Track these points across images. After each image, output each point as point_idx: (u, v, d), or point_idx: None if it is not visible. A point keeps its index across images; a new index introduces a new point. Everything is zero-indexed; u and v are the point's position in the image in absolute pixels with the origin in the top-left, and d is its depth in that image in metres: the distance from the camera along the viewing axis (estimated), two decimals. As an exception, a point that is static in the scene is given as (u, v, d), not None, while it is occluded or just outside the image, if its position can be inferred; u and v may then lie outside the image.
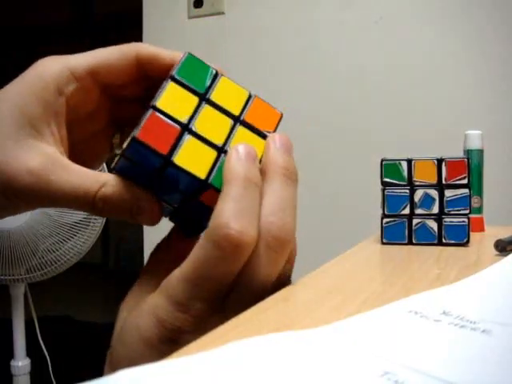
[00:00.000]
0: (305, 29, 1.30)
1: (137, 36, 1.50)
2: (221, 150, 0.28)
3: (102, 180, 0.28)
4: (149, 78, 0.32)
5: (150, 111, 0.27)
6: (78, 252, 1.35)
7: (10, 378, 1.37)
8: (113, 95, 0.33)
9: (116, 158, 0.29)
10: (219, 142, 0.28)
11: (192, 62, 0.29)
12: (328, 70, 1.28)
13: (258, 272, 0.26)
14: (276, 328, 0.21)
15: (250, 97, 0.30)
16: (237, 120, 0.29)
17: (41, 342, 1.44)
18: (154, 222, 0.29)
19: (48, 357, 1.44)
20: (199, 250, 0.25)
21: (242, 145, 0.27)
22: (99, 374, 0.16)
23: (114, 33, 3.76)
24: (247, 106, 0.29)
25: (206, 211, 0.26)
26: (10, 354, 1.37)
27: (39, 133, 0.29)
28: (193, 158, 0.27)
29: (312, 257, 1.01)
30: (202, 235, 0.26)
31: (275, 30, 1.34)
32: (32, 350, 1.42)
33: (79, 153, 0.33)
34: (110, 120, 0.35)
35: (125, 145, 0.27)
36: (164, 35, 1.46)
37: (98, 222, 1.33)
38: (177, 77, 0.28)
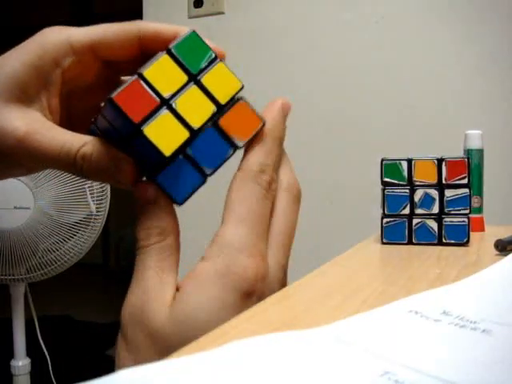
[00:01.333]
0: (305, 29, 1.30)
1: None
2: (195, 134, 0.27)
3: (83, 140, 0.29)
4: (150, 54, 0.32)
5: (135, 77, 0.26)
6: (78, 252, 1.35)
7: (10, 378, 1.37)
8: (115, 70, 0.34)
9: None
10: (195, 124, 0.27)
11: (194, 40, 0.29)
12: (328, 69, 1.28)
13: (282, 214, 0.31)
14: (276, 328, 0.21)
15: (238, 92, 0.29)
16: (221, 109, 0.28)
17: (41, 341, 1.44)
18: (130, 182, 0.29)
19: (48, 357, 1.44)
20: (248, 192, 0.28)
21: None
22: (99, 373, 0.16)
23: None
24: (229, 104, 0.29)
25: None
26: (10, 354, 1.37)
27: (28, 99, 0.30)
28: (163, 134, 0.26)
29: (312, 256, 1.01)
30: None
31: (275, 29, 1.34)
32: (32, 350, 1.42)
33: (81, 123, 0.33)
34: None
35: (102, 104, 0.28)
36: (164, 35, 1.46)
37: (98, 222, 1.33)
38: (173, 50, 0.28)
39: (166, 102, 0.27)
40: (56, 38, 0.31)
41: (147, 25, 0.32)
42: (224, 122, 0.28)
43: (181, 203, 0.28)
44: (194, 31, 0.29)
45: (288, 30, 1.32)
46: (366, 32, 1.24)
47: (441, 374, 0.16)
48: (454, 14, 1.16)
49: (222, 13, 1.39)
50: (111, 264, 4.04)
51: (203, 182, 0.28)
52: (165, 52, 0.27)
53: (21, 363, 1.36)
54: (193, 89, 0.28)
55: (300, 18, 1.30)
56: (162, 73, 0.27)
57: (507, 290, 0.27)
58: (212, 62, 0.29)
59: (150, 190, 0.28)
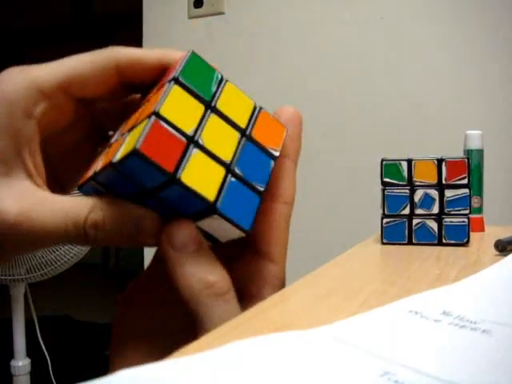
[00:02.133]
0: (305, 28, 1.30)
1: (137, 36, 1.50)
2: (228, 168, 0.24)
3: (88, 205, 0.25)
4: (132, 84, 0.28)
5: (153, 119, 0.23)
6: (77, 252, 1.35)
7: (10, 378, 1.37)
8: (91, 105, 0.29)
9: (98, 166, 0.25)
10: (227, 158, 0.24)
11: (196, 62, 0.25)
12: (328, 69, 1.28)
13: None
14: (276, 328, 0.21)
15: (255, 108, 0.27)
16: (243, 133, 0.26)
17: (41, 341, 1.44)
18: (158, 239, 0.25)
19: (48, 357, 1.44)
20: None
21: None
22: (99, 373, 0.16)
23: (114, 33, 3.77)
24: (253, 119, 0.26)
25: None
26: (10, 354, 1.37)
27: (9, 168, 0.25)
28: (201, 177, 0.23)
29: (312, 257, 1.01)
30: None
31: (275, 29, 1.34)
32: (32, 350, 1.42)
33: (62, 167, 0.30)
34: (91, 129, 0.31)
35: (118, 156, 0.23)
36: (164, 35, 1.46)
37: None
38: (181, 79, 0.24)
39: (192, 140, 0.23)
40: (19, 84, 0.26)
41: (125, 53, 0.28)
42: (256, 134, 0.26)
43: (249, 229, 0.24)
44: (193, 52, 0.26)
45: (288, 30, 1.32)
46: (367, 32, 1.24)
47: (441, 374, 0.16)
48: (455, 13, 1.16)
49: (222, 13, 1.39)
50: (111, 264, 4.04)
51: (260, 200, 0.25)
52: (172, 82, 0.24)
53: (21, 363, 1.36)
54: (212, 118, 0.25)
55: (300, 18, 1.31)
56: (177, 107, 0.24)
57: (507, 290, 0.27)
58: (220, 82, 0.26)
59: (191, 227, 0.24)
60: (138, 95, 0.30)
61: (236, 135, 0.25)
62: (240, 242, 0.27)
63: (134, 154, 0.22)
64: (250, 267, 0.28)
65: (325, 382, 0.15)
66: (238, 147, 0.25)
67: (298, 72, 1.31)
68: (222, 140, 0.25)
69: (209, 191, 0.23)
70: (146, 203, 0.24)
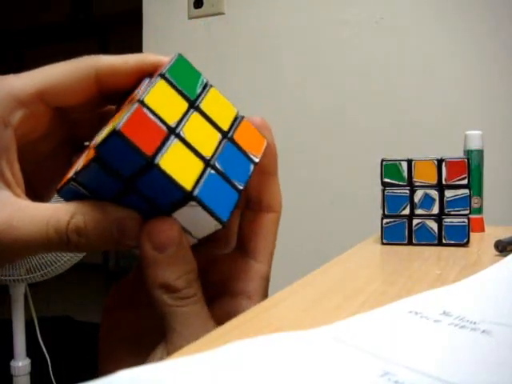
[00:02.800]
0: (305, 29, 1.30)
1: (137, 36, 1.50)
2: (208, 163, 0.25)
3: (69, 211, 0.24)
4: (110, 90, 0.28)
5: (136, 105, 0.23)
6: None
7: (9, 379, 1.37)
8: (68, 114, 0.29)
9: (78, 166, 0.25)
10: (207, 154, 0.25)
11: (183, 64, 0.26)
12: (328, 70, 1.28)
13: None
14: (276, 328, 0.21)
15: (237, 116, 0.27)
16: (225, 136, 0.26)
17: (41, 342, 1.44)
18: (139, 238, 0.25)
19: (48, 357, 1.44)
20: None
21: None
22: (99, 374, 0.16)
23: (114, 33, 3.77)
24: (235, 124, 0.27)
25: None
26: (10, 355, 1.37)
27: None
28: (179, 166, 0.23)
29: (312, 257, 1.01)
30: None
31: (275, 30, 1.34)
32: (32, 351, 1.42)
33: (36, 177, 0.30)
34: (66, 138, 0.31)
35: (99, 140, 0.23)
36: (164, 35, 1.46)
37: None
38: (167, 76, 0.25)
39: (173, 131, 0.24)
40: None
41: (103, 61, 0.27)
42: (237, 138, 0.26)
43: (226, 221, 0.24)
44: (180, 54, 0.26)
45: (288, 30, 1.32)
46: (367, 32, 1.24)
47: (441, 374, 0.16)
48: (454, 14, 1.16)
49: (222, 13, 1.39)
50: (111, 265, 4.04)
51: (239, 198, 0.25)
52: (159, 77, 0.25)
53: (21, 364, 1.36)
54: (195, 116, 0.25)
55: (300, 19, 1.31)
56: (162, 99, 0.24)
57: (507, 290, 0.27)
58: (205, 87, 0.27)
59: (173, 229, 0.24)
60: (114, 106, 0.30)
61: (217, 135, 0.26)
62: (226, 240, 0.29)
63: (115, 134, 0.22)
64: (236, 265, 0.29)
65: (325, 382, 0.15)
66: (218, 146, 0.26)
67: (298, 72, 1.31)
68: (204, 137, 0.25)
69: (186, 180, 0.23)
70: (126, 201, 0.25)
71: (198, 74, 0.27)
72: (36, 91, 0.26)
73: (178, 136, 0.24)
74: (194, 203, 0.24)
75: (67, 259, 1.34)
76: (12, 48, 4.02)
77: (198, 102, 0.26)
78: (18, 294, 1.37)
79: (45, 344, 1.45)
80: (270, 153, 0.28)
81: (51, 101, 0.27)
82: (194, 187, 0.24)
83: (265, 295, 0.29)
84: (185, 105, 0.25)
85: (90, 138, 0.28)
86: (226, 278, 0.29)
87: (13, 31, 4.03)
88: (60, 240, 0.24)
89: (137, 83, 0.28)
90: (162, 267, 0.24)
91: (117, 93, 0.28)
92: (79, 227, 0.24)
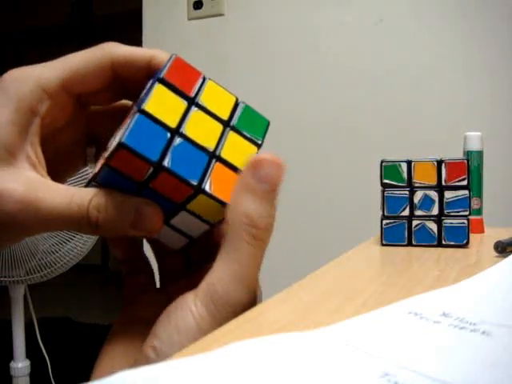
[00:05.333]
0: (305, 30, 1.30)
1: (137, 37, 1.50)
2: (212, 155, 0.26)
3: (92, 191, 0.27)
4: (124, 82, 0.30)
5: (137, 115, 0.25)
6: (77, 253, 1.35)
7: (9, 380, 1.37)
8: (86, 103, 0.32)
9: (96, 168, 0.27)
10: (210, 146, 0.26)
11: (179, 64, 0.28)
12: (328, 71, 1.28)
13: None
14: (276, 329, 0.21)
15: (237, 102, 0.29)
16: (227, 125, 0.28)
17: (40, 343, 1.44)
18: (157, 227, 0.27)
19: (48, 358, 1.44)
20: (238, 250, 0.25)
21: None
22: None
23: (114, 34, 3.77)
24: (236, 112, 0.28)
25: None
26: (9, 356, 1.37)
27: (16, 158, 0.27)
28: (185, 163, 0.25)
29: (312, 258, 1.01)
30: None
31: (275, 31, 1.34)
32: (32, 352, 1.42)
33: (52, 166, 0.31)
34: (83, 131, 0.33)
35: (107, 154, 0.26)
36: (164, 36, 1.46)
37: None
38: (164, 78, 0.27)
39: (176, 132, 0.26)
40: (25, 82, 0.28)
41: (119, 50, 0.30)
42: (238, 124, 0.28)
43: (197, 184, 0.26)
44: (176, 55, 0.28)
45: (287, 32, 1.32)
46: (366, 34, 1.24)
47: (440, 375, 0.16)
48: (454, 15, 1.16)
49: (222, 14, 1.39)
50: (110, 265, 4.04)
51: (209, 160, 0.27)
52: (156, 82, 0.26)
53: (20, 365, 1.36)
54: (195, 113, 0.27)
55: (299, 20, 1.31)
56: (161, 103, 0.26)
57: (507, 291, 0.27)
58: (203, 82, 0.28)
59: (280, 170, 0.25)
60: (130, 102, 0.32)
61: (219, 127, 0.27)
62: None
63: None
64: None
65: (325, 382, 0.15)
66: (221, 137, 0.27)
67: (298, 73, 1.31)
68: (206, 131, 0.27)
69: (193, 176, 0.25)
70: (143, 196, 0.27)
71: (194, 72, 0.28)
72: (60, 82, 0.28)
73: (181, 135, 0.26)
74: (244, 105, 0.27)
75: (67, 261, 1.34)
76: (12, 48, 4.02)
77: (197, 99, 0.27)
78: (18, 295, 1.37)
79: (44, 345, 1.45)
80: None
81: (73, 89, 0.29)
82: (201, 181, 0.26)
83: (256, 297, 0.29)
84: (183, 104, 0.27)
85: (106, 133, 0.30)
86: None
87: (13, 32, 4.03)
88: (80, 215, 0.26)
89: (148, 76, 0.29)
90: (253, 198, 0.25)
91: (130, 84, 0.30)
92: (100, 204, 0.26)
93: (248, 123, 0.28)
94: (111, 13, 3.67)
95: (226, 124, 0.28)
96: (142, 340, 0.25)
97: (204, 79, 0.28)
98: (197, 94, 0.27)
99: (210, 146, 0.26)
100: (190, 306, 0.24)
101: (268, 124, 0.29)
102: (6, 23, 3.92)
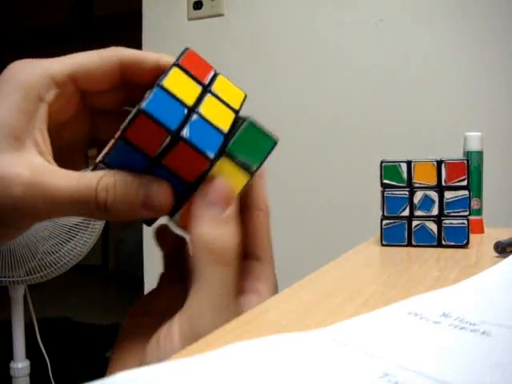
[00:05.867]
0: (304, 31, 1.30)
1: (136, 37, 1.50)
2: (227, 137, 0.27)
3: (100, 172, 0.26)
4: (130, 85, 0.31)
5: (156, 87, 0.25)
6: (77, 254, 1.35)
7: (9, 380, 1.37)
8: (92, 103, 0.32)
9: (105, 150, 0.27)
10: (225, 128, 0.27)
11: (193, 56, 0.29)
12: (328, 71, 1.28)
13: None
14: (276, 330, 0.21)
15: (246, 97, 0.30)
16: (237, 114, 0.28)
17: (40, 343, 1.44)
18: (167, 206, 0.26)
19: (47, 358, 1.44)
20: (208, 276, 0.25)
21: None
22: (99, 375, 0.16)
23: (114, 34, 3.77)
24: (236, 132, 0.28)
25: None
26: (9, 356, 1.37)
27: (23, 144, 0.27)
28: (201, 137, 0.25)
29: (312, 258, 1.01)
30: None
31: (275, 31, 1.34)
32: (31, 352, 1.42)
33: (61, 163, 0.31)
34: (87, 131, 0.33)
35: (145, 101, 0.25)
36: (164, 37, 1.46)
37: (98, 224, 1.33)
38: (180, 64, 0.27)
39: (192, 110, 0.26)
40: (33, 72, 0.28)
41: (127, 52, 0.30)
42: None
43: (214, 157, 0.26)
44: (189, 48, 0.29)
45: (287, 32, 1.32)
46: (365, 34, 1.24)
47: (440, 375, 0.16)
48: (454, 15, 1.16)
49: (222, 15, 1.39)
50: (110, 266, 4.04)
51: (222, 140, 0.27)
52: (173, 66, 0.27)
53: (20, 365, 1.36)
54: (209, 98, 0.27)
55: (299, 21, 1.31)
56: (178, 83, 0.26)
57: (507, 291, 0.27)
58: (214, 75, 0.29)
59: (229, 190, 0.26)
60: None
61: (231, 114, 0.28)
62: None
63: (141, 111, 0.24)
64: (243, 268, 0.29)
65: (325, 383, 0.15)
66: (232, 124, 0.27)
67: (298, 73, 1.31)
68: (220, 115, 0.27)
69: (209, 150, 0.25)
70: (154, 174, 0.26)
71: (207, 65, 0.29)
72: (68, 73, 0.29)
73: (198, 114, 0.26)
74: (247, 124, 0.27)
75: (67, 261, 1.34)
76: (12, 48, 4.02)
77: (210, 87, 0.28)
78: (18, 295, 1.37)
79: (44, 345, 1.45)
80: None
81: (81, 83, 0.29)
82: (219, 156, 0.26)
83: (275, 290, 0.30)
84: (199, 88, 0.27)
85: (107, 137, 0.30)
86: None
87: (13, 32, 4.03)
88: (88, 196, 0.26)
89: (153, 80, 0.30)
90: (206, 224, 0.25)
91: (136, 91, 0.31)
92: (109, 183, 0.26)
93: (247, 145, 0.27)
94: (111, 13, 3.67)
95: (236, 113, 0.28)
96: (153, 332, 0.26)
97: (215, 73, 0.29)
98: (210, 83, 0.28)
99: (225, 128, 0.27)
100: (172, 338, 0.24)
101: (274, 145, 0.28)
102: (6, 23, 3.92)
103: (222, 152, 0.27)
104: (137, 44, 1.49)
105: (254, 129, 0.27)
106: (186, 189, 0.27)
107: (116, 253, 3.92)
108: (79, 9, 3.96)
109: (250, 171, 0.27)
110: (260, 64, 1.35)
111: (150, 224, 0.29)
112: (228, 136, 0.27)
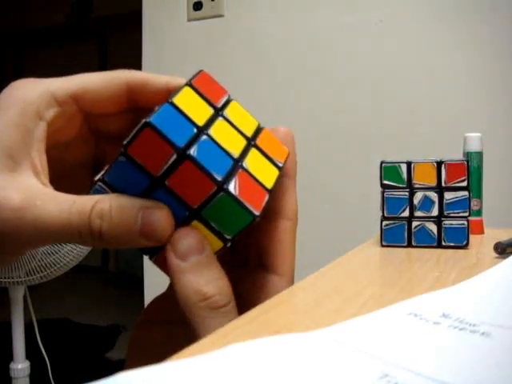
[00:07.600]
0: (304, 31, 1.30)
1: (136, 38, 1.50)
2: (236, 162, 0.25)
3: (95, 197, 0.24)
4: (138, 110, 0.29)
5: (165, 104, 0.24)
6: (77, 254, 1.35)
7: (9, 381, 1.37)
8: (97, 126, 0.30)
9: (104, 168, 0.25)
10: (235, 153, 0.25)
11: (206, 78, 0.27)
12: (328, 72, 1.28)
13: None
14: (276, 330, 0.21)
15: (259, 125, 0.28)
16: (250, 141, 0.27)
17: (40, 344, 1.44)
18: (167, 234, 0.24)
19: (47, 359, 1.44)
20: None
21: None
22: (98, 376, 0.16)
23: (114, 35, 3.77)
24: (258, 134, 0.28)
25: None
26: (9, 357, 1.37)
27: (18, 164, 0.25)
28: (209, 158, 0.24)
29: (312, 259, 1.01)
30: None
31: (275, 32, 1.34)
32: (31, 353, 1.42)
33: (56, 187, 0.29)
34: (92, 155, 0.31)
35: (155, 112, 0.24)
36: (164, 37, 1.46)
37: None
38: (193, 84, 0.26)
39: (202, 130, 0.24)
40: (34, 89, 0.27)
41: (135, 75, 0.29)
42: (260, 143, 0.27)
43: (258, 215, 0.24)
44: (203, 70, 0.27)
45: (287, 32, 1.32)
46: (366, 35, 1.24)
47: (440, 376, 0.16)
48: (454, 16, 1.17)
49: (222, 15, 1.39)
50: (110, 267, 4.04)
51: (233, 165, 0.25)
52: (184, 85, 0.26)
53: (20, 366, 1.36)
54: (221, 121, 0.26)
55: (300, 21, 1.31)
56: (189, 102, 0.25)
57: (507, 292, 0.27)
58: (228, 100, 0.28)
59: (195, 237, 0.24)
60: None
61: (243, 140, 0.26)
62: (247, 256, 0.28)
63: (146, 125, 0.23)
64: (256, 279, 0.28)
65: (325, 383, 0.15)
66: (245, 150, 0.26)
67: (298, 74, 1.31)
68: (230, 140, 0.26)
69: (218, 171, 0.24)
70: (154, 198, 0.25)
71: (221, 89, 0.28)
72: (72, 92, 0.27)
73: (208, 135, 0.24)
74: (223, 194, 0.24)
75: (67, 262, 1.34)
76: (12, 48, 4.02)
77: (222, 111, 0.27)
78: (18, 296, 1.37)
79: (44, 346, 1.45)
80: (291, 159, 0.29)
81: (84, 104, 0.28)
82: (224, 182, 0.24)
83: None
84: (210, 110, 0.26)
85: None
86: (245, 292, 0.28)
87: (13, 32, 4.03)
88: (81, 223, 0.24)
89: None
90: (186, 276, 0.24)
91: (146, 112, 0.29)
92: (104, 209, 0.24)
93: (221, 215, 0.25)
94: (111, 13, 3.67)
95: (249, 141, 0.27)
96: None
97: (229, 98, 0.28)
98: (222, 107, 0.27)
99: (235, 153, 0.25)
100: None
101: (252, 221, 0.25)
102: (6, 23, 3.92)
103: (197, 214, 0.25)
104: (137, 44, 1.49)
105: (230, 201, 0.24)
106: (186, 217, 0.25)
107: (116, 254, 3.92)
108: (79, 9, 3.96)
109: (225, 239, 0.25)
110: (260, 64, 1.35)
111: (149, 253, 0.26)
112: (238, 162, 0.25)
